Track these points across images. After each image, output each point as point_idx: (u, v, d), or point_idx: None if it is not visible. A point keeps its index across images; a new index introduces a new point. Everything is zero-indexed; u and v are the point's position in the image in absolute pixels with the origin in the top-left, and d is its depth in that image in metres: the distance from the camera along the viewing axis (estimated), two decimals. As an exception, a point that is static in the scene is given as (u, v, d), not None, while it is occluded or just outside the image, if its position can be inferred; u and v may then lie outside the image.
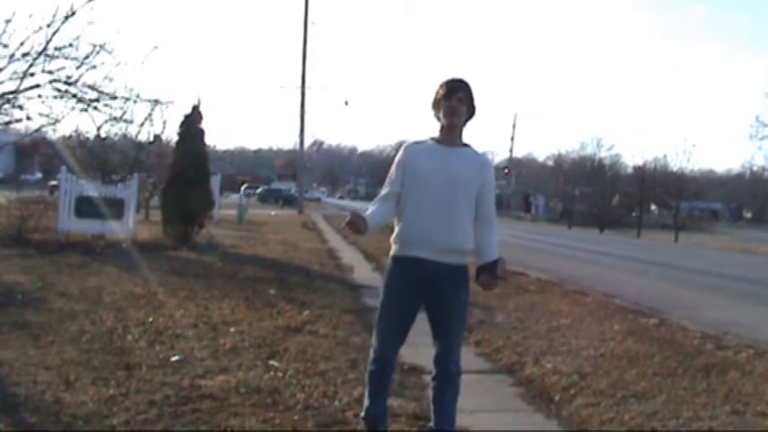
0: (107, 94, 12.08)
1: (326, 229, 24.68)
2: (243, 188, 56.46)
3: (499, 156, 74.47)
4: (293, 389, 4.42)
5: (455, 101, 3.42)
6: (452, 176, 3.41)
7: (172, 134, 16.61)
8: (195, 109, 13.64)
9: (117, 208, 12.84)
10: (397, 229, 3.52)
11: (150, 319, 6.17)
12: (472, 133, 3.62)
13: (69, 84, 11.43)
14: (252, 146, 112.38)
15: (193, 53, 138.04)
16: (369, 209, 3.53)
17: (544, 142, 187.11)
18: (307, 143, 50.70)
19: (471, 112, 3.50)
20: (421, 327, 3.54)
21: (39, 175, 39.27)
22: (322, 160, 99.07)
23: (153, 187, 20.60)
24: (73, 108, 11.87)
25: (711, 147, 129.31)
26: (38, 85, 11.15)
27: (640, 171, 49.89)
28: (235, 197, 42.78)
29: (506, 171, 66.46)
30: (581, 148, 70.23)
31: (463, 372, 3.58)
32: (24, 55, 10.84)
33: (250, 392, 4.29)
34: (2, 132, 13.39)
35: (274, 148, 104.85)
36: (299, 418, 3.91)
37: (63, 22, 10.88)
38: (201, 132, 13.70)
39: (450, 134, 3.48)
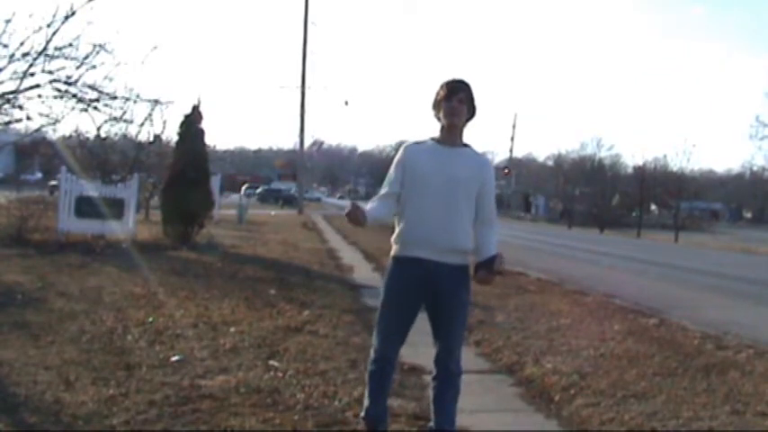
0: (107, 94, 12.10)
1: (326, 229, 24.68)
2: (244, 188, 56.53)
3: (499, 156, 74.57)
4: (293, 389, 4.42)
5: (455, 102, 3.42)
6: (453, 177, 3.41)
7: (172, 134, 16.65)
8: (195, 109, 13.64)
9: (117, 208, 12.84)
10: (397, 230, 3.52)
11: (150, 319, 6.17)
12: (472, 133, 3.63)
13: (69, 84, 11.43)
14: (252, 146, 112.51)
15: (193, 53, 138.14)
16: (368, 205, 3.53)
17: (544, 142, 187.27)
18: (307, 143, 50.74)
19: (472, 112, 3.50)
20: (421, 327, 3.54)
21: (39, 175, 39.28)
22: (322, 160, 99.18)
23: (153, 187, 20.60)
24: (73, 108, 11.90)
25: (711, 147, 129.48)
26: (38, 85, 11.16)
27: (640, 171, 49.92)
28: (235, 197, 42.80)
29: (506, 171, 66.48)
30: (581, 148, 70.38)
31: (463, 372, 3.58)
32: (24, 55, 10.85)
33: (250, 392, 4.29)
34: (2, 132, 13.39)
35: (274, 148, 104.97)
36: (299, 418, 3.91)
37: (63, 22, 10.90)
38: (201, 132, 13.70)
39: (451, 134, 3.48)
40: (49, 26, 10.81)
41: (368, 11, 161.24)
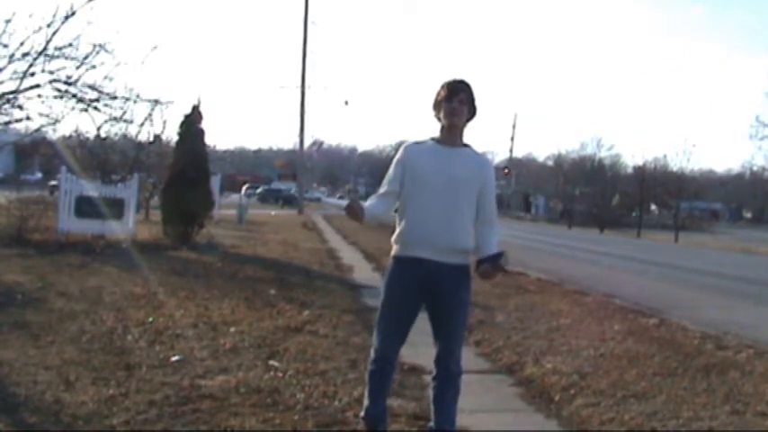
0: (107, 94, 12.10)
1: (326, 229, 24.68)
2: (244, 188, 56.52)
3: (499, 156, 74.52)
4: (293, 389, 4.42)
5: (456, 102, 3.42)
6: (453, 177, 3.41)
7: (172, 134, 16.64)
8: (195, 109, 13.63)
9: (117, 208, 12.84)
10: (398, 230, 3.52)
11: (150, 319, 6.17)
12: (472, 133, 3.63)
13: (69, 84, 11.44)
14: (252, 146, 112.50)
15: (193, 53, 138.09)
16: (366, 202, 3.53)
17: (544, 142, 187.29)
18: (307, 143, 50.72)
19: (472, 112, 3.50)
20: (421, 326, 3.54)
21: (39, 175, 39.26)
22: (322, 160, 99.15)
23: (153, 187, 20.60)
24: (73, 108, 11.91)
25: (711, 147, 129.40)
26: (38, 85, 11.17)
27: (640, 171, 49.93)
28: (235, 197, 42.80)
29: (506, 171, 66.47)
30: (581, 148, 70.37)
31: (463, 372, 3.58)
32: (24, 55, 10.86)
33: (250, 392, 4.29)
34: (2, 132, 13.39)
35: (274, 148, 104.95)
36: (299, 418, 3.91)
37: (63, 22, 10.91)
38: (201, 132, 13.70)
39: (451, 135, 3.48)
40: (49, 26, 10.83)
41: (368, 11, 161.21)
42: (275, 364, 5.00)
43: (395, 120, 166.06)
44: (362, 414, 3.64)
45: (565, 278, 12.28)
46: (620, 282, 12.94)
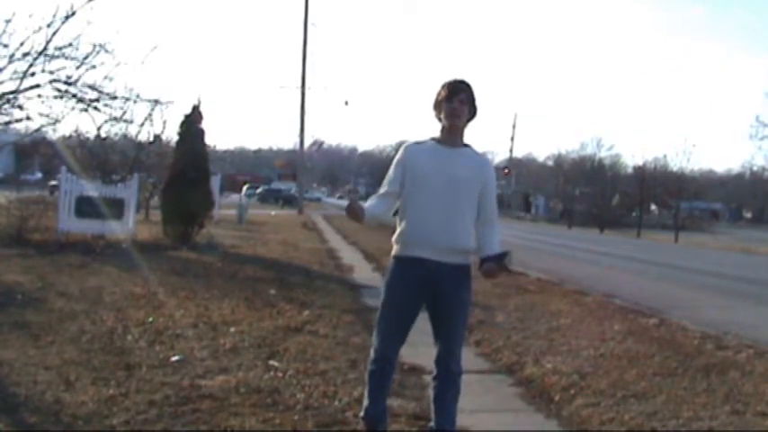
0: (107, 94, 12.11)
1: (326, 229, 24.68)
2: (245, 188, 56.54)
3: (499, 156, 74.54)
4: (293, 389, 4.42)
5: (456, 102, 3.42)
6: (453, 177, 3.42)
7: (172, 134, 16.65)
8: (195, 109, 13.63)
9: (117, 208, 12.84)
10: (398, 229, 3.52)
11: (150, 319, 6.17)
12: (472, 133, 3.63)
13: (69, 84, 11.45)
14: (252, 146, 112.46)
15: (193, 53, 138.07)
16: (367, 202, 3.53)
17: (544, 142, 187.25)
18: (307, 143, 50.70)
19: (473, 112, 3.50)
20: (421, 326, 3.54)
21: (39, 175, 39.26)
22: (322, 160, 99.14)
23: (153, 187, 20.60)
24: (73, 108, 11.92)
25: (711, 147, 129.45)
26: (38, 85, 11.18)
27: (640, 171, 49.92)
28: (235, 197, 42.80)
29: (506, 171, 66.46)
30: (581, 148, 70.36)
31: (463, 372, 3.58)
32: (24, 55, 10.87)
33: (250, 392, 4.29)
34: (2, 132, 13.39)
35: (274, 148, 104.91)
36: (299, 418, 3.91)
37: (63, 22, 10.92)
38: (201, 132, 13.70)
39: (452, 135, 3.48)
40: (49, 26, 10.84)
41: (368, 11, 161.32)
42: (275, 364, 5.00)
43: (395, 120, 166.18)
44: (362, 414, 3.64)
45: (565, 278, 12.28)
46: (620, 282, 12.94)
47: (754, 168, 62.63)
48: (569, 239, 29.59)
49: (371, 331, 3.76)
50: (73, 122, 35.28)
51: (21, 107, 11.32)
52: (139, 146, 17.46)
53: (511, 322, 7.32)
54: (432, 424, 3.56)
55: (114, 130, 16.27)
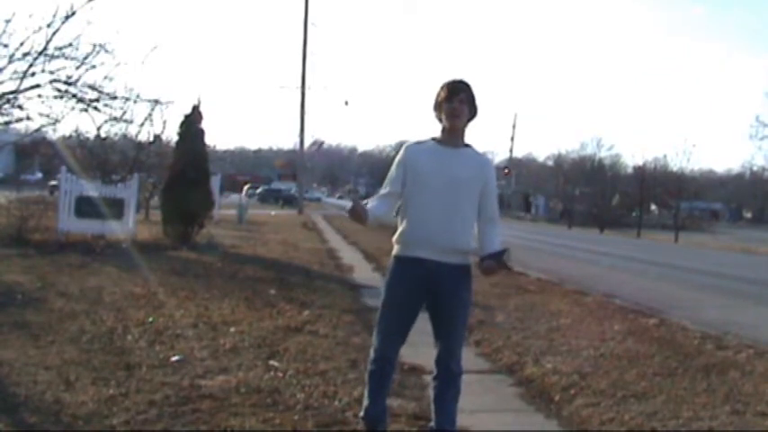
0: (107, 94, 12.11)
1: (326, 229, 24.68)
2: (245, 188, 56.55)
3: (499, 156, 74.45)
4: (293, 389, 4.42)
5: (456, 102, 3.42)
6: (454, 177, 3.42)
7: (172, 134, 16.64)
8: (195, 109, 13.63)
9: (117, 208, 12.84)
10: (399, 229, 3.52)
11: (150, 319, 6.17)
12: (472, 133, 3.62)
13: (69, 84, 11.45)
14: (252, 146, 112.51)
15: (193, 53, 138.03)
16: (369, 203, 3.53)
17: (544, 142, 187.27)
18: (307, 143, 50.66)
19: (473, 112, 3.50)
20: (422, 326, 3.54)
21: (39, 175, 39.27)
22: (322, 160, 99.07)
23: (153, 187, 20.60)
24: (73, 108, 11.91)
25: (711, 147, 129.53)
26: (38, 85, 11.17)
27: (640, 171, 49.94)
28: (235, 197, 42.79)
29: (506, 171, 66.46)
30: (581, 148, 70.39)
31: (464, 372, 3.58)
32: (24, 55, 10.87)
33: (250, 392, 4.29)
34: (2, 132, 13.39)
35: (274, 148, 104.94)
36: (299, 418, 3.91)
37: (63, 22, 10.92)
38: (201, 132, 13.70)
39: (452, 135, 3.48)
40: (49, 26, 10.84)
41: (368, 11, 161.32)
42: (275, 364, 5.00)
43: (395, 120, 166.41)
44: (362, 414, 3.64)
45: (565, 278, 12.28)
46: (620, 282, 12.94)
47: (754, 168, 62.71)
48: (569, 239, 29.59)
49: (371, 331, 3.76)
50: (73, 122, 35.39)
51: (21, 107, 11.33)
52: (139, 146, 17.46)
53: (511, 322, 7.32)
54: (432, 424, 3.56)
55: (114, 130, 16.30)
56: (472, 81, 3.49)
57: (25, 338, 5.32)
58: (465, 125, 3.50)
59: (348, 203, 3.49)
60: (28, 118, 11.66)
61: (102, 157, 16.16)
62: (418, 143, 3.56)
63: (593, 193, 57.37)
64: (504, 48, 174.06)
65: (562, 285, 11.09)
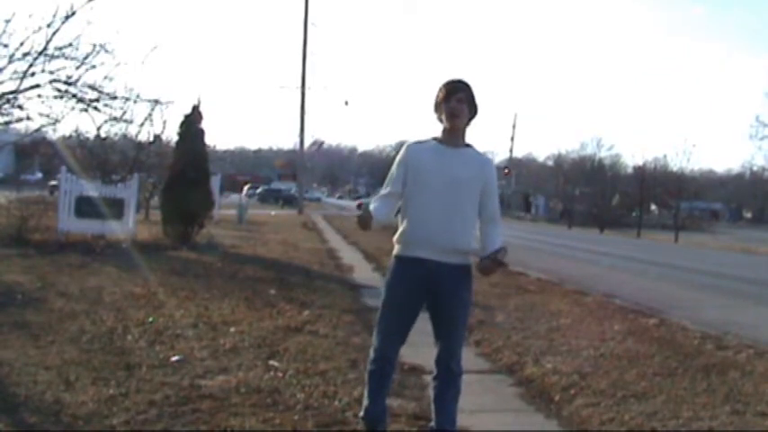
0: (107, 94, 12.10)
1: (326, 228, 24.68)
2: (246, 188, 56.57)
3: (499, 156, 74.41)
4: (293, 389, 4.42)
5: (455, 102, 3.43)
6: (455, 177, 3.42)
7: (172, 134, 16.64)
8: (195, 109, 13.63)
9: (117, 208, 12.84)
10: (399, 229, 3.52)
11: (150, 319, 6.17)
12: (472, 133, 3.61)
13: (69, 84, 11.44)
14: (252, 146, 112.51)
15: (193, 53, 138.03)
16: (371, 203, 3.52)
17: (544, 142, 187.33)
18: (307, 143, 50.68)
19: (473, 111, 3.50)
20: (422, 326, 3.54)
21: (39, 175, 39.28)
22: (322, 160, 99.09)
23: (153, 187, 20.60)
24: (73, 108, 11.90)
25: (711, 147, 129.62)
26: (38, 85, 11.17)
27: (640, 171, 49.96)
28: (235, 197, 42.79)
29: (506, 171, 66.43)
30: (581, 148, 70.44)
31: (464, 372, 3.57)
32: (24, 55, 10.86)
33: (250, 392, 4.29)
34: (2, 132, 13.39)
35: (274, 148, 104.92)
36: (299, 418, 3.91)
37: (63, 22, 10.91)
38: (201, 132, 13.70)
39: (453, 135, 3.48)
40: (49, 26, 10.83)
41: (368, 11, 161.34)
42: (275, 364, 5.00)
43: (395, 120, 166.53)
44: (362, 414, 3.64)
45: (565, 278, 12.28)
46: (620, 282, 12.94)
47: (754, 168, 62.75)
48: (569, 239, 29.59)
49: (371, 331, 3.76)
50: (73, 122, 35.38)
51: (21, 107, 11.33)
52: (139, 146, 17.45)
53: (511, 322, 7.32)
54: (432, 424, 3.56)
55: (114, 130, 16.29)
56: (472, 81, 3.49)
57: (25, 338, 5.32)
58: (465, 125, 3.50)
59: (348, 203, 3.49)
60: (28, 118, 11.67)
61: (102, 157, 16.16)
62: (419, 143, 3.56)
63: (593, 193, 57.37)
64: (504, 48, 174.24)
65: (562, 285, 11.09)
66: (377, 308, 3.64)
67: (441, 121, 3.49)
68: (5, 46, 10.72)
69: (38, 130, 12.85)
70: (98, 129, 14.90)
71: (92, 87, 11.80)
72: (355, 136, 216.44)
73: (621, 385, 5.02)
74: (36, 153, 34.71)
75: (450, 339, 3.50)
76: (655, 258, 20.16)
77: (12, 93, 11.01)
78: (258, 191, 60.80)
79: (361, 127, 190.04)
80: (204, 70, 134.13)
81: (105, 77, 11.90)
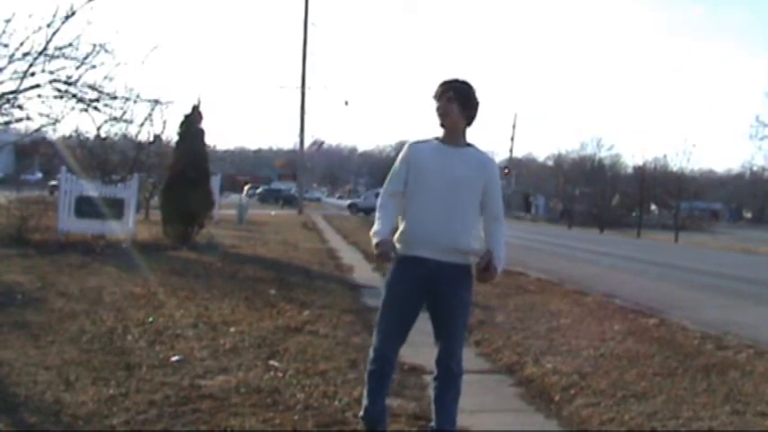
0: (107, 94, 12.11)
1: (326, 228, 24.68)
2: (246, 188, 56.57)
3: (499, 156, 74.20)
4: (293, 389, 4.42)
5: (444, 101, 3.44)
6: (455, 176, 3.42)
7: (172, 134, 16.65)
8: (195, 109, 13.63)
9: (117, 208, 12.84)
10: (400, 229, 3.53)
11: (150, 319, 6.17)
12: (472, 133, 3.61)
13: (69, 84, 11.44)
14: (252, 146, 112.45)
15: (193, 53, 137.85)
16: (378, 216, 3.49)
17: (544, 142, 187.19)
18: (307, 143, 50.67)
19: (469, 110, 3.47)
20: (422, 326, 3.54)
21: (39, 175, 39.30)
22: (322, 160, 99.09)
23: (153, 187, 20.60)
24: (73, 108, 11.91)
25: (711, 147, 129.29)
26: (38, 85, 11.17)
27: (640, 171, 49.94)
28: (235, 197, 42.81)
29: (506, 171, 66.33)
30: (581, 148, 70.40)
31: (464, 372, 3.57)
32: (24, 55, 10.87)
33: (250, 392, 4.29)
34: (2, 132, 13.40)
35: (274, 148, 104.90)
36: (299, 418, 3.91)
37: (63, 22, 10.92)
38: (201, 132, 13.70)
39: (452, 135, 3.49)
40: (49, 26, 10.84)
41: (368, 11, 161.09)
42: (275, 364, 5.00)
43: (395, 120, 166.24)
44: (362, 414, 3.64)
45: (565, 278, 12.28)
46: (620, 282, 12.94)
47: (754, 168, 62.78)
48: (569, 239, 29.60)
49: (371, 331, 3.76)
50: (73, 122, 35.39)
51: (21, 107, 11.33)
52: (139, 146, 17.46)
53: (511, 322, 7.32)
54: (432, 424, 3.56)
55: (114, 130, 16.31)
56: (472, 81, 3.49)
57: (25, 338, 5.32)
58: (465, 124, 3.50)
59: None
60: (28, 118, 11.68)
61: (102, 157, 16.17)
62: (422, 142, 3.56)
63: (593, 193, 57.34)
64: (504, 48, 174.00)
65: (562, 285, 11.09)
66: (377, 308, 3.65)
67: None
68: (5, 46, 10.74)
69: (38, 130, 12.86)
70: (98, 129, 14.93)
71: (92, 87, 11.81)
72: (355, 136, 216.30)
73: (621, 385, 5.02)
74: (36, 153, 34.74)
75: (451, 339, 3.50)
76: (655, 258, 20.17)
77: (12, 93, 11.02)
78: (258, 191, 60.84)
79: (361, 127, 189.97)
80: (204, 70, 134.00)
81: (105, 77, 11.92)
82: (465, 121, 3.49)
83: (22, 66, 10.92)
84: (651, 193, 52.13)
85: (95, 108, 12.15)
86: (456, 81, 3.48)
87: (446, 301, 3.46)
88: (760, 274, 16.52)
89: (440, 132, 3.53)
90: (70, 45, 11.13)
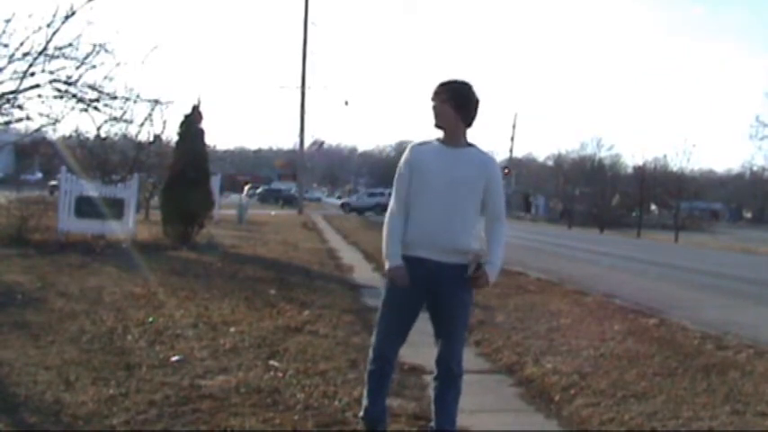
0: (107, 94, 12.11)
1: (326, 228, 24.69)
2: (247, 188, 56.58)
3: (499, 156, 74.13)
4: (293, 389, 4.42)
5: (438, 102, 3.45)
6: (456, 177, 3.42)
7: (172, 134, 16.65)
8: (195, 109, 13.64)
9: (117, 208, 12.85)
10: (400, 229, 3.53)
11: (150, 319, 6.17)
12: (472, 133, 3.61)
13: (69, 84, 11.45)
14: (252, 146, 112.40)
15: (193, 53, 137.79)
16: (387, 233, 3.48)
17: (544, 142, 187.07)
18: (307, 143, 50.67)
19: (465, 111, 3.45)
20: (421, 327, 3.55)
21: (39, 175, 39.31)
22: (322, 160, 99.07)
23: (153, 187, 20.61)
24: (73, 108, 11.91)
25: (711, 147, 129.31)
26: (38, 85, 11.17)
27: (640, 171, 49.91)
28: (235, 197, 42.81)
29: (506, 171, 66.30)
30: (581, 148, 70.42)
31: (464, 372, 3.58)
32: (24, 55, 10.87)
33: (250, 392, 4.29)
34: (2, 132, 13.40)
35: (274, 148, 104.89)
36: (299, 418, 3.92)
37: (63, 22, 10.92)
38: (201, 132, 13.71)
39: (452, 135, 3.48)
40: (48, 26, 10.84)
41: (368, 11, 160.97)
42: (275, 364, 5.00)
43: (395, 120, 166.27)
44: (362, 414, 3.64)
45: (565, 278, 12.28)
46: (620, 282, 12.93)
47: (754, 168, 62.80)
48: (569, 239, 29.59)
49: (371, 331, 3.76)
50: (73, 122, 35.37)
51: (21, 107, 11.34)
52: (139, 146, 17.46)
53: (511, 322, 7.32)
54: (432, 424, 3.56)
55: (114, 130, 16.31)
56: (472, 81, 3.49)
57: (25, 338, 5.32)
58: (462, 124, 3.48)
59: (392, 270, 3.45)
60: (28, 118, 11.68)
61: (102, 157, 16.18)
62: (422, 144, 3.57)
63: (593, 193, 57.31)
64: (504, 48, 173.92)
65: (562, 285, 11.09)
66: (377, 308, 3.65)
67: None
68: (5, 46, 10.75)
69: (38, 130, 12.87)
70: (98, 129, 14.93)
71: (92, 87, 11.81)
72: (355, 136, 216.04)
73: (621, 385, 5.02)
74: (36, 153, 34.72)
75: (451, 339, 3.50)
76: (655, 258, 20.16)
77: (12, 93, 11.02)
78: (258, 191, 60.84)
79: (361, 127, 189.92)
80: (204, 70, 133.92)
81: (105, 77, 11.92)
82: (462, 122, 3.47)
83: (22, 66, 10.94)
84: (651, 193, 52.10)
85: (95, 108, 12.16)
86: (454, 82, 3.48)
87: (446, 302, 3.46)
88: (760, 274, 16.52)
89: (440, 134, 3.54)
90: (70, 45, 11.15)
